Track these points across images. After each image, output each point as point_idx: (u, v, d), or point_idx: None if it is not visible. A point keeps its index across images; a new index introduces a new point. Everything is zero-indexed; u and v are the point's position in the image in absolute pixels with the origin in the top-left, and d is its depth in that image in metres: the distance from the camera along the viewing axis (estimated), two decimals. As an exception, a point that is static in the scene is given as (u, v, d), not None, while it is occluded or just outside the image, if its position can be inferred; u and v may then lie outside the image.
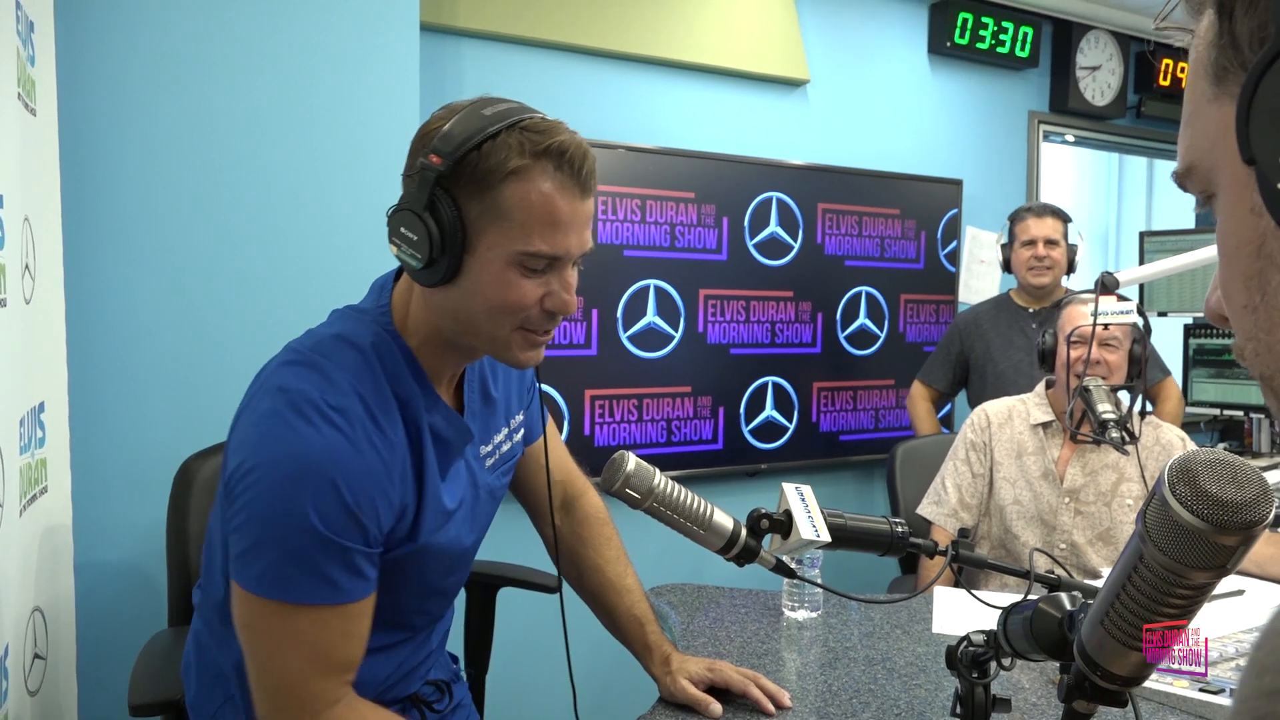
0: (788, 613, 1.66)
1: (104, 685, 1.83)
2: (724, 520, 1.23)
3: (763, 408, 3.03)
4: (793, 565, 1.31)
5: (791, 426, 3.09)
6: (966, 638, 1.09)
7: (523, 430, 1.31)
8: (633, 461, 1.20)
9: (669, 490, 1.21)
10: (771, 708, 1.30)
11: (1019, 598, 1.04)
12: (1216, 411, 3.16)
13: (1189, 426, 3.24)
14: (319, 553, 0.97)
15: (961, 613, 1.68)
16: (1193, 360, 3.23)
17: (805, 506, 1.25)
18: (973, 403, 3.00)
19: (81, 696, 1.84)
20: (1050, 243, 2.84)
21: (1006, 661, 1.02)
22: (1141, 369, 2.05)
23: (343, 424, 0.98)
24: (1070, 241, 2.89)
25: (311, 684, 1.00)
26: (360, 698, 1.05)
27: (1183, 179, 0.47)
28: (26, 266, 1.62)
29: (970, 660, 1.08)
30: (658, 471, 1.22)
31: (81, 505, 1.87)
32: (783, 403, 3.07)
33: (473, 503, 1.18)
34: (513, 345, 1.06)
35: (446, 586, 1.22)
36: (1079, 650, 0.76)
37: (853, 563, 3.14)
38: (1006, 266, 2.95)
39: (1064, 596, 0.86)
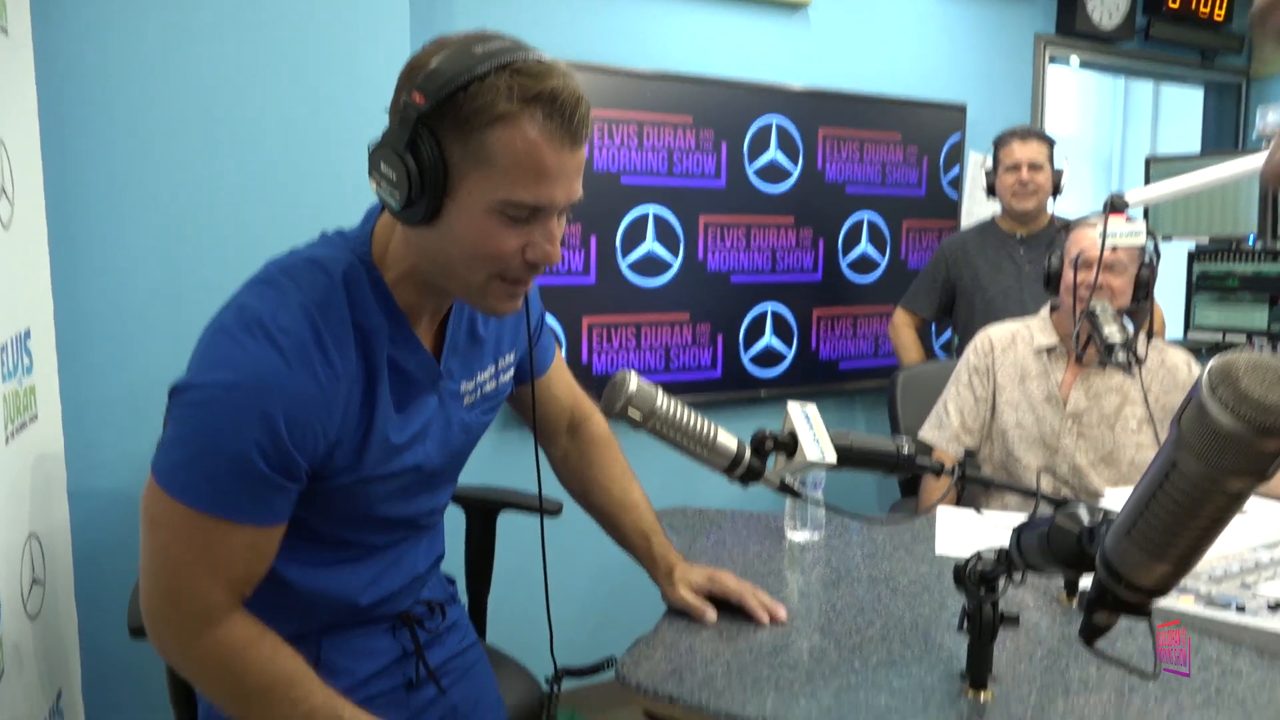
0: (790, 534, 1.64)
1: (104, 610, 1.82)
2: (728, 441, 1.21)
3: (762, 335, 2.99)
4: (796, 487, 1.28)
5: (791, 354, 3.06)
6: (977, 555, 1.06)
7: (512, 370, 1.28)
8: (634, 381, 1.17)
9: (672, 410, 1.18)
10: (766, 618, 1.29)
11: (1022, 518, 1.02)
12: (1219, 337, 3.12)
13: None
14: (236, 476, 0.96)
15: (964, 534, 1.66)
16: (1196, 285, 3.19)
17: (810, 427, 1.22)
18: (958, 329, 2.96)
19: (82, 621, 1.83)
20: (1034, 167, 2.78)
21: (1017, 577, 1.00)
22: (1148, 292, 2.01)
23: (286, 346, 0.96)
24: (1056, 166, 2.83)
25: (206, 590, 0.99)
26: (254, 618, 1.03)
27: (1267, 12, 0.42)
28: (3, 190, 1.56)
29: (979, 577, 1.06)
30: (660, 391, 1.18)
31: (73, 433, 1.84)
32: (782, 330, 3.03)
33: (442, 435, 1.16)
34: (489, 294, 1.03)
35: (409, 513, 1.20)
36: (1103, 562, 0.73)
37: (853, 487, 3.13)
38: (991, 191, 2.89)
39: (1083, 510, 0.83)
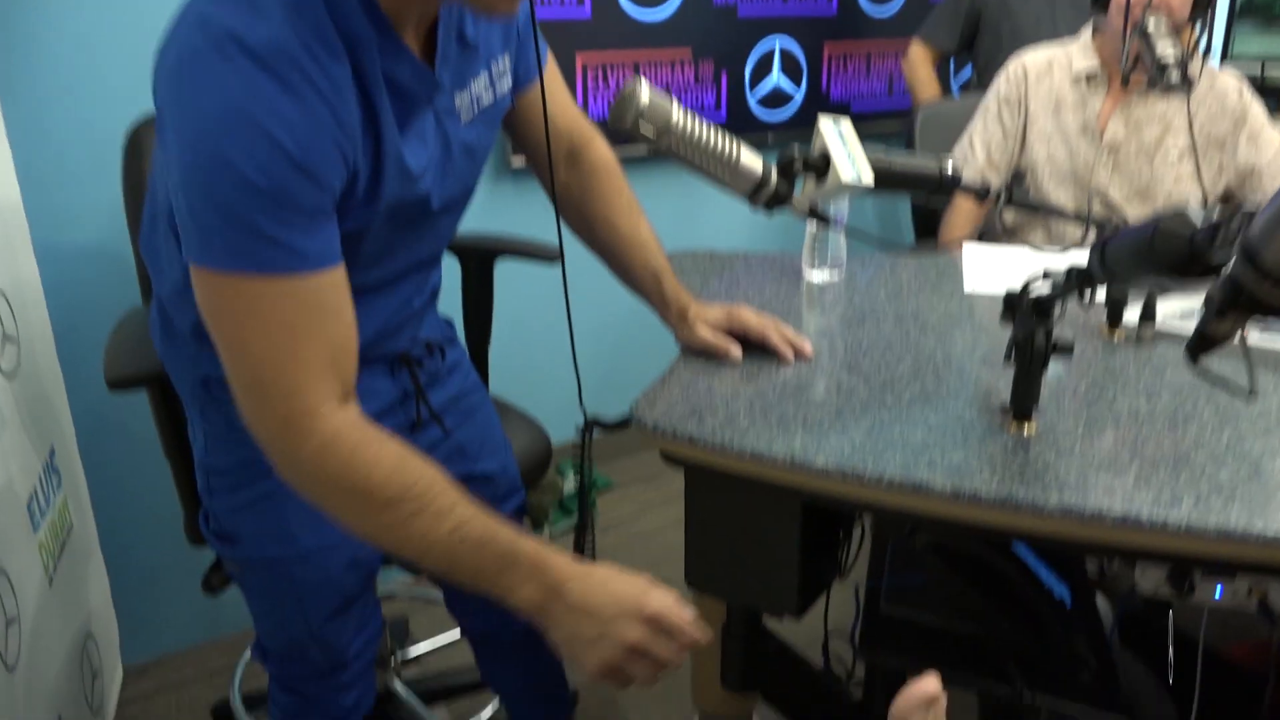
0: (807, 274, 1.53)
1: (89, 368, 1.74)
2: (752, 161, 1.07)
3: (769, 73, 2.76)
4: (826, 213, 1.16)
5: (800, 94, 2.83)
6: (1041, 273, 0.95)
7: (508, 77, 1.10)
8: (646, 91, 1.01)
9: (690, 126, 1.03)
10: (790, 356, 1.21)
11: (1049, 255, 0.91)
12: (1258, 68, 2.90)
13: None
14: (265, 214, 0.79)
15: (992, 270, 1.55)
16: (1239, 11, 2.92)
17: (844, 145, 1.08)
18: (979, 64, 2.73)
19: (67, 377, 1.75)
20: None
21: (1086, 297, 0.89)
22: (1209, 5, 1.80)
23: (272, 59, 0.78)
24: None
25: (292, 377, 0.84)
26: (370, 421, 0.89)
27: None
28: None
29: (1034, 303, 0.95)
30: (676, 103, 1.03)
31: (29, 184, 1.68)
32: (791, 68, 2.79)
33: (442, 162, 1.00)
34: None
35: (413, 248, 1.06)
36: (1246, 256, 0.62)
37: (867, 226, 3.02)
38: None
39: (1193, 209, 0.71)
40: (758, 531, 1.17)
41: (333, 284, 0.87)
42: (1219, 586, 1.04)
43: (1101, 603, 1.38)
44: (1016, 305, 0.97)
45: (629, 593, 0.87)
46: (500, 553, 0.87)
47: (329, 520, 0.90)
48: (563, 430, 1.81)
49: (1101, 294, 1.21)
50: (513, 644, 1.46)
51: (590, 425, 1.23)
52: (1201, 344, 0.67)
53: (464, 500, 0.88)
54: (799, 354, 1.21)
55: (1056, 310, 0.95)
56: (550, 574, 0.87)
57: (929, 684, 0.59)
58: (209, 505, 1.14)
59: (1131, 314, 1.26)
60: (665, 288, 1.25)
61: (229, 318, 0.84)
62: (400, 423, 1.17)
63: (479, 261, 1.72)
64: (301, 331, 0.84)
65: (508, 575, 0.87)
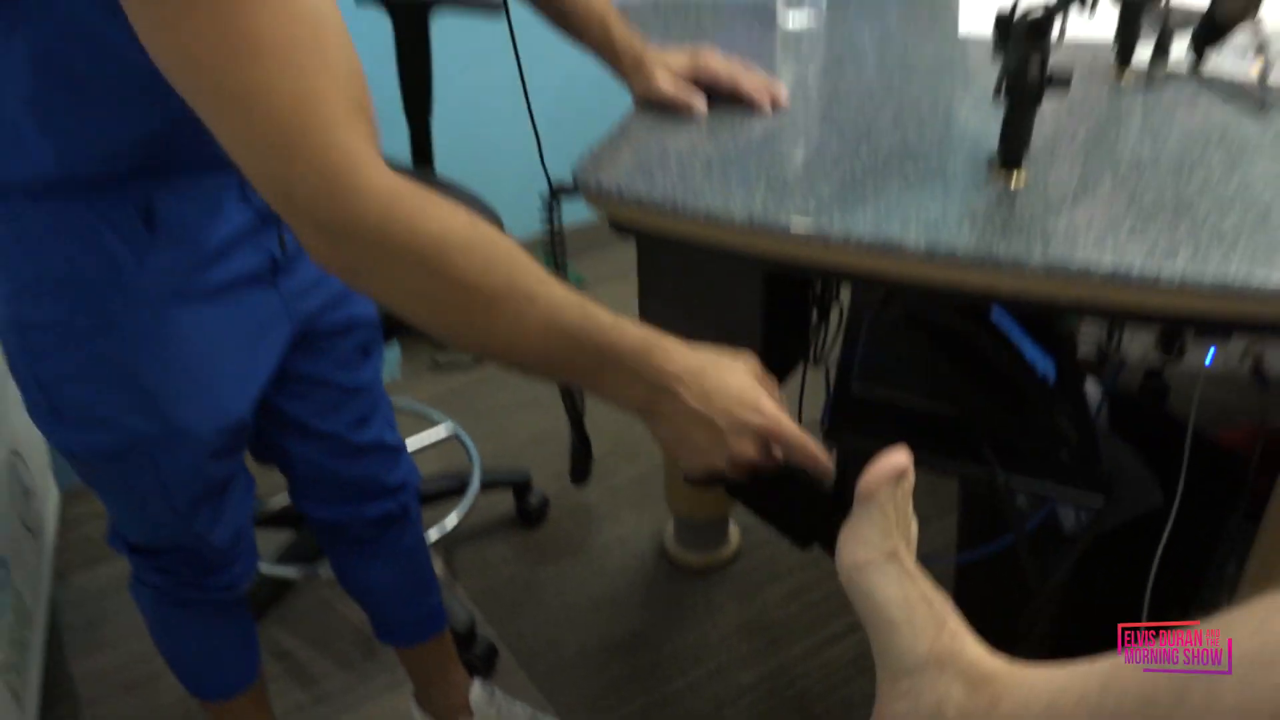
0: (784, 18, 1.41)
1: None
2: None
3: None
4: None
5: None
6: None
7: None
8: None
9: None
10: (767, 105, 1.12)
11: None
12: None
13: None
14: None
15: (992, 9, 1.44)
16: None
17: None
18: None
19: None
20: None
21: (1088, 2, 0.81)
22: None
23: None
24: None
25: (322, 117, 0.65)
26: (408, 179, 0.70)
27: None
28: None
29: (1026, 28, 0.87)
30: None
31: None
32: None
33: None
34: None
35: None
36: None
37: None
38: None
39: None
40: (716, 305, 1.13)
41: None
42: (1211, 349, 1.01)
43: (1091, 386, 1.37)
44: (1008, 29, 0.88)
45: (745, 400, 0.79)
46: (600, 346, 0.74)
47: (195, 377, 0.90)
48: (522, 222, 1.69)
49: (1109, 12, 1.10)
50: (362, 538, 1.31)
51: (557, 192, 1.15)
52: (1209, 30, 0.59)
53: (549, 278, 0.74)
54: (775, 102, 1.12)
55: (1054, 32, 0.86)
56: (658, 372, 0.76)
57: (897, 457, 0.59)
58: (37, 373, 0.94)
59: (1143, 53, 1.17)
60: (614, 34, 1.14)
61: (221, 58, 0.63)
62: (257, 261, 0.98)
63: (411, 16, 1.59)
64: (318, 60, 0.66)
65: (609, 374, 0.76)
